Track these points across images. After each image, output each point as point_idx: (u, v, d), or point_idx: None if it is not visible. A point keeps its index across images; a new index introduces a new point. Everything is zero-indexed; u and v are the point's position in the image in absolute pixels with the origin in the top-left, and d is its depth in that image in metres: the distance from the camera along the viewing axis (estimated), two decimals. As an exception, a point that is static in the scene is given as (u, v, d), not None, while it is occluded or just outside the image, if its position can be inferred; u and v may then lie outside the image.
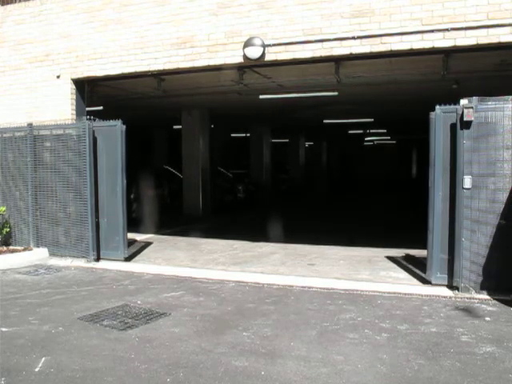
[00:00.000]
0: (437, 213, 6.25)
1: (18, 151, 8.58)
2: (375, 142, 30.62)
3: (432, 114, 6.24)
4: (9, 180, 8.77)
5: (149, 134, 21.27)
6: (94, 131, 7.89)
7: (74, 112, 8.51)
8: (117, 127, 7.82)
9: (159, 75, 8.54)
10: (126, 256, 7.99)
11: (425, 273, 6.40)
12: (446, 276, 6.20)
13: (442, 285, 6.19)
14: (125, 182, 7.90)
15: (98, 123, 8.02)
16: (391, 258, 7.94)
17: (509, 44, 6.07)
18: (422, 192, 6.99)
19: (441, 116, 6.17)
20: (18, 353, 4.13)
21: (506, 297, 5.62)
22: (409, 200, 18.08)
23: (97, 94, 9.70)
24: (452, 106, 6.04)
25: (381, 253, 8.34)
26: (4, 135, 8.73)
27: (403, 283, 6.44)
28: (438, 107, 6.19)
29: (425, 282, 6.38)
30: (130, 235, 8.08)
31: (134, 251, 8.76)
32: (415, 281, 6.58)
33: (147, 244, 9.62)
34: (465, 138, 5.85)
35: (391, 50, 6.56)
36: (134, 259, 8.21)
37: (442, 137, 6.19)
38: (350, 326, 4.81)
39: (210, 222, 13.62)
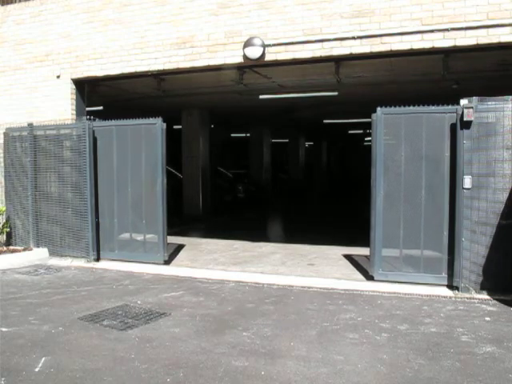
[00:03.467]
0: (378, 211, 6.42)
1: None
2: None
3: (374, 116, 6.41)
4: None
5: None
6: (94, 131, 7.88)
7: (74, 112, 8.52)
8: (157, 125, 7.51)
9: (159, 75, 8.54)
10: (166, 259, 7.64)
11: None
12: (388, 272, 6.44)
13: (384, 281, 6.40)
14: (165, 181, 7.51)
15: (136, 121, 7.59)
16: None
17: (509, 44, 6.07)
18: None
19: (381, 117, 6.34)
20: (17, 353, 4.13)
21: (506, 297, 5.62)
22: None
23: (97, 94, 9.71)
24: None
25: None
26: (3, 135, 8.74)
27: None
28: (378, 109, 6.38)
29: (368, 277, 6.63)
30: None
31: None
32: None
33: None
34: (465, 138, 5.86)
35: (391, 50, 6.57)
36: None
37: (383, 137, 6.35)
38: (350, 326, 4.81)
39: (210, 222, 13.62)
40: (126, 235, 7.97)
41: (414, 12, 6.36)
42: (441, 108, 6.08)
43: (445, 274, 6.20)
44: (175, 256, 8.54)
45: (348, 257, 8.21)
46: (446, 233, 6.15)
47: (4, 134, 8.70)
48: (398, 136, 6.34)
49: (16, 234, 8.69)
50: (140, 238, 7.90)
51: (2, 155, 8.94)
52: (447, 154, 6.12)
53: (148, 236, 7.82)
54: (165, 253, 7.63)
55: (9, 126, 8.65)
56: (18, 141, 8.54)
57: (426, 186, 6.22)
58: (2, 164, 8.96)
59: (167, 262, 7.72)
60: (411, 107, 6.19)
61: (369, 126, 6.58)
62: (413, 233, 6.30)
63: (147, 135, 7.61)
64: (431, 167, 6.20)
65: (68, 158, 8.01)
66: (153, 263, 7.59)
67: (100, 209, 7.99)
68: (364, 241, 9.33)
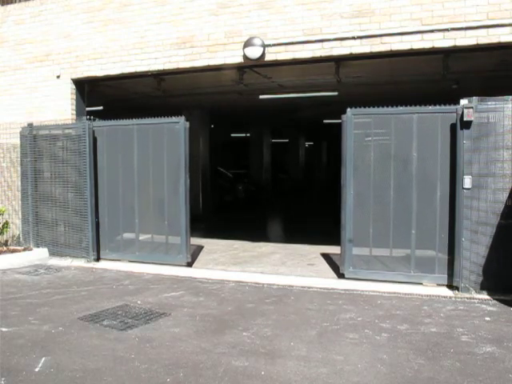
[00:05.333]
0: (348, 210, 6.50)
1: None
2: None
3: (343, 117, 6.50)
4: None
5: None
6: (94, 131, 7.87)
7: (74, 112, 8.52)
8: (180, 124, 7.30)
9: (159, 75, 8.54)
10: (189, 260, 7.45)
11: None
12: (359, 270, 6.54)
13: (355, 278, 6.51)
14: (188, 181, 7.31)
15: (158, 120, 7.41)
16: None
17: (509, 44, 6.08)
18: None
19: (351, 118, 6.43)
20: (17, 353, 4.13)
21: (506, 297, 5.62)
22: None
23: (97, 94, 9.70)
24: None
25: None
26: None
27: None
28: (348, 110, 6.48)
29: (340, 276, 6.74)
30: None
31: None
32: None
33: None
34: (465, 138, 5.86)
35: (391, 50, 6.57)
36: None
37: (353, 138, 6.45)
38: (350, 326, 4.81)
39: (210, 222, 13.62)
40: (147, 236, 7.89)
41: (413, 12, 6.36)
42: (408, 109, 6.17)
43: (413, 273, 6.33)
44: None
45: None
46: (413, 231, 6.26)
47: (20, 133, 8.62)
48: (368, 136, 6.44)
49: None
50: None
51: (1, 155, 8.95)
52: (415, 154, 6.21)
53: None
54: (187, 254, 7.41)
55: (24, 126, 8.54)
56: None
57: (394, 186, 6.31)
58: (3, 164, 8.96)
59: (190, 264, 7.53)
60: (380, 108, 6.32)
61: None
62: (382, 232, 6.40)
63: (169, 134, 7.39)
64: (400, 167, 6.29)
65: (68, 158, 8.00)
66: (175, 265, 7.42)
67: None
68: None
